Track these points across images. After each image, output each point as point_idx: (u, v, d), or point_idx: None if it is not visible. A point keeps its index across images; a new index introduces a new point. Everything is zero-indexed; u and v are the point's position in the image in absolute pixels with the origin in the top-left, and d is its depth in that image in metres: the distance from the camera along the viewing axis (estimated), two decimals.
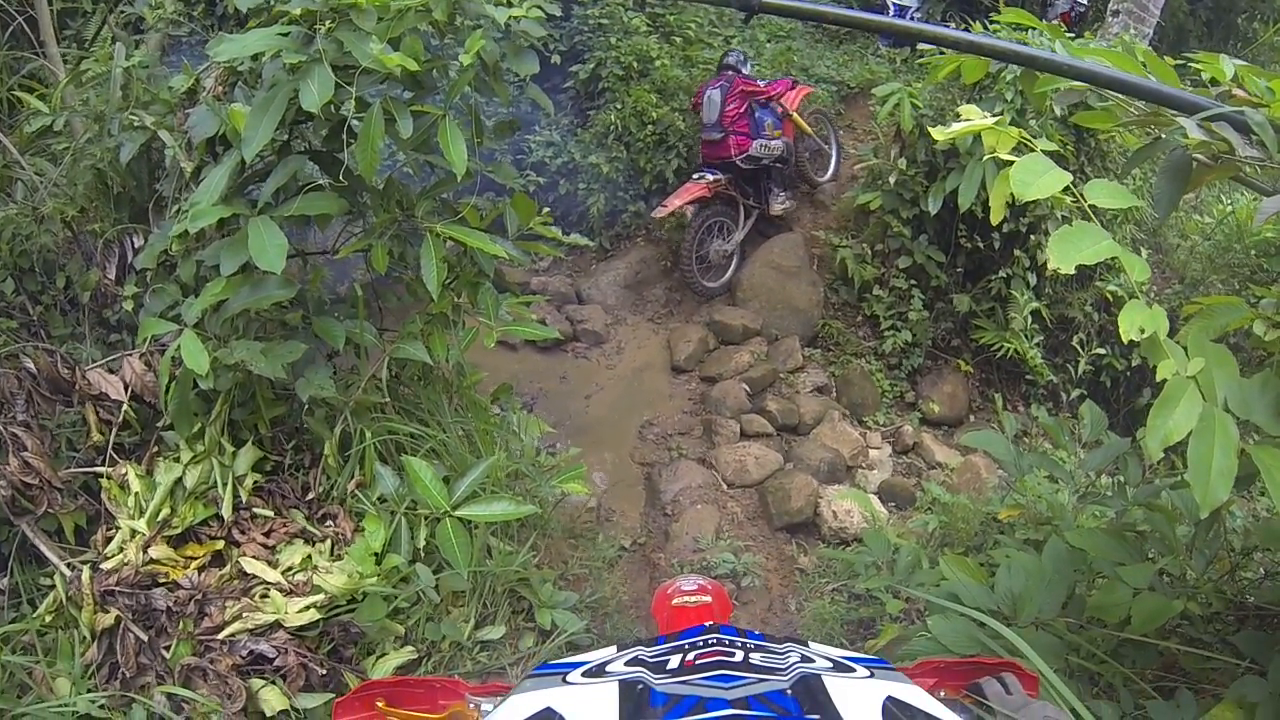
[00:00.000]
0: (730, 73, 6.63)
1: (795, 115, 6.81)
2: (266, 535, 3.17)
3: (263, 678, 2.81)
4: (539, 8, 2.93)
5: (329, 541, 3.20)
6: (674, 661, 1.04)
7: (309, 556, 3.11)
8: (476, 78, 2.93)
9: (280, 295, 2.89)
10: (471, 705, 1.32)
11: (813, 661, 1.03)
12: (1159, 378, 1.61)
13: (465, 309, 3.56)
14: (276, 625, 2.88)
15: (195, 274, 3.04)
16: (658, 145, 7.08)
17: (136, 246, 3.46)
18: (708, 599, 2.13)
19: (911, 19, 9.42)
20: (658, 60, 7.30)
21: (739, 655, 1.03)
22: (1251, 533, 2.83)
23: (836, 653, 1.12)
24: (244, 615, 2.87)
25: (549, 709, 0.90)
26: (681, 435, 5.70)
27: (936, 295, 6.37)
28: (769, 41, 8.67)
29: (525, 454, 4.06)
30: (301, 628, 2.91)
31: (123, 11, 4.67)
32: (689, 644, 1.10)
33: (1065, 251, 1.62)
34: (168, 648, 2.81)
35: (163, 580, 2.92)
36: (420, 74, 2.83)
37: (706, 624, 1.19)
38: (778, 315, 6.57)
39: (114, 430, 3.16)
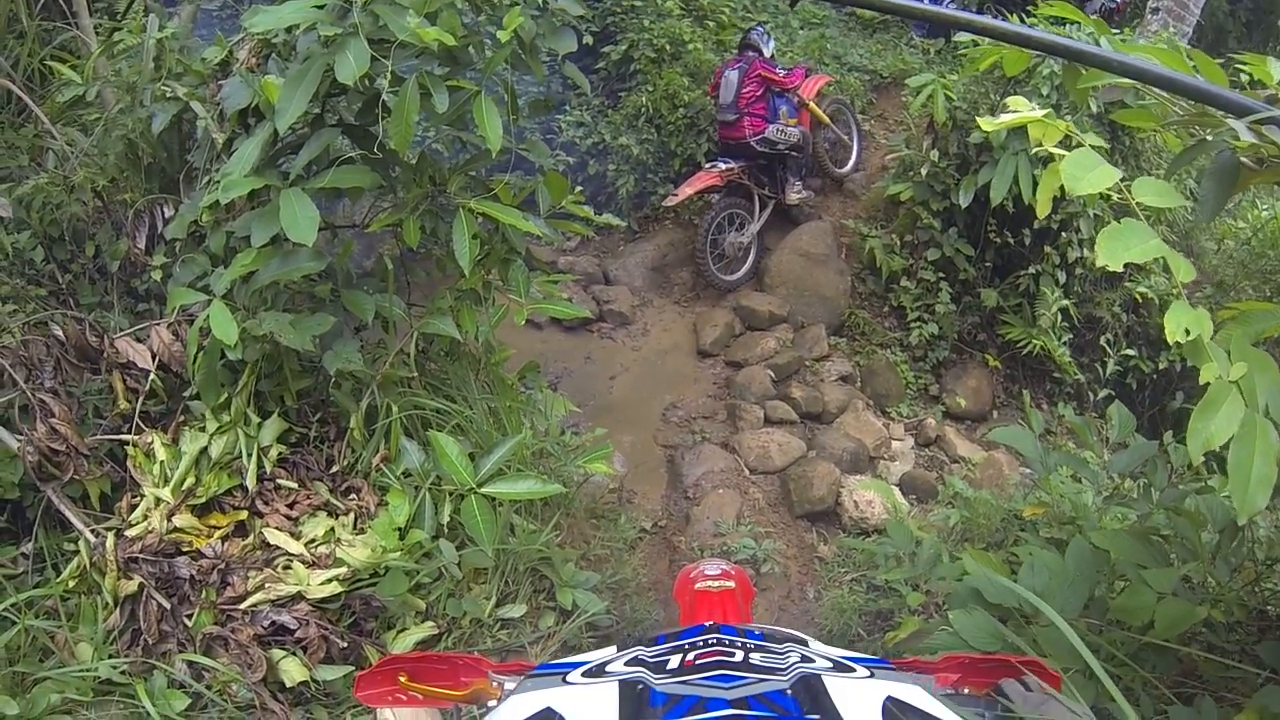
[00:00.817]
0: (751, 53, 6.58)
1: (811, 105, 6.71)
2: (290, 507, 3.18)
3: (283, 649, 2.84)
4: None
5: (352, 515, 3.21)
6: (674, 661, 1.03)
7: (332, 529, 3.13)
8: (513, 54, 2.91)
9: (310, 267, 2.89)
10: (494, 683, 1.31)
11: (813, 661, 1.02)
12: (1202, 381, 1.59)
13: (495, 286, 3.55)
14: (298, 597, 2.90)
15: (225, 245, 3.05)
16: (688, 128, 7.05)
17: (166, 217, 3.46)
18: (731, 584, 2.12)
19: (948, 6, 9.34)
20: (690, 43, 7.26)
21: (739, 655, 1.03)
22: (1276, 543, 2.79)
23: (836, 652, 1.12)
24: (266, 586, 2.89)
25: (549, 709, 0.91)
26: (705, 419, 5.70)
27: (964, 289, 6.32)
28: (802, 28, 8.61)
29: (550, 433, 4.06)
30: (323, 600, 2.94)
31: None
32: (689, 644, 1.10)
33: (1113, 249, 1.60)
34: (190, 616, 2.83)
35: (186, 549, 2.95)
36: (456, 49, 2.81)
37: (706, 624, 1.19)
38: (804, 302, 6.54)
39: (141, 399, 3.19)
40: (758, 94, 6.39)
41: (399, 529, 3.10)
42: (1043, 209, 1.97)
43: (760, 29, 6.80)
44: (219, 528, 3.05)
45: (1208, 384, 1.58)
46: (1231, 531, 2.39)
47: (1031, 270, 5.99)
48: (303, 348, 2.92)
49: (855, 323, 6.56)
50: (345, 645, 2.91)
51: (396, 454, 3.30)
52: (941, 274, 6.25)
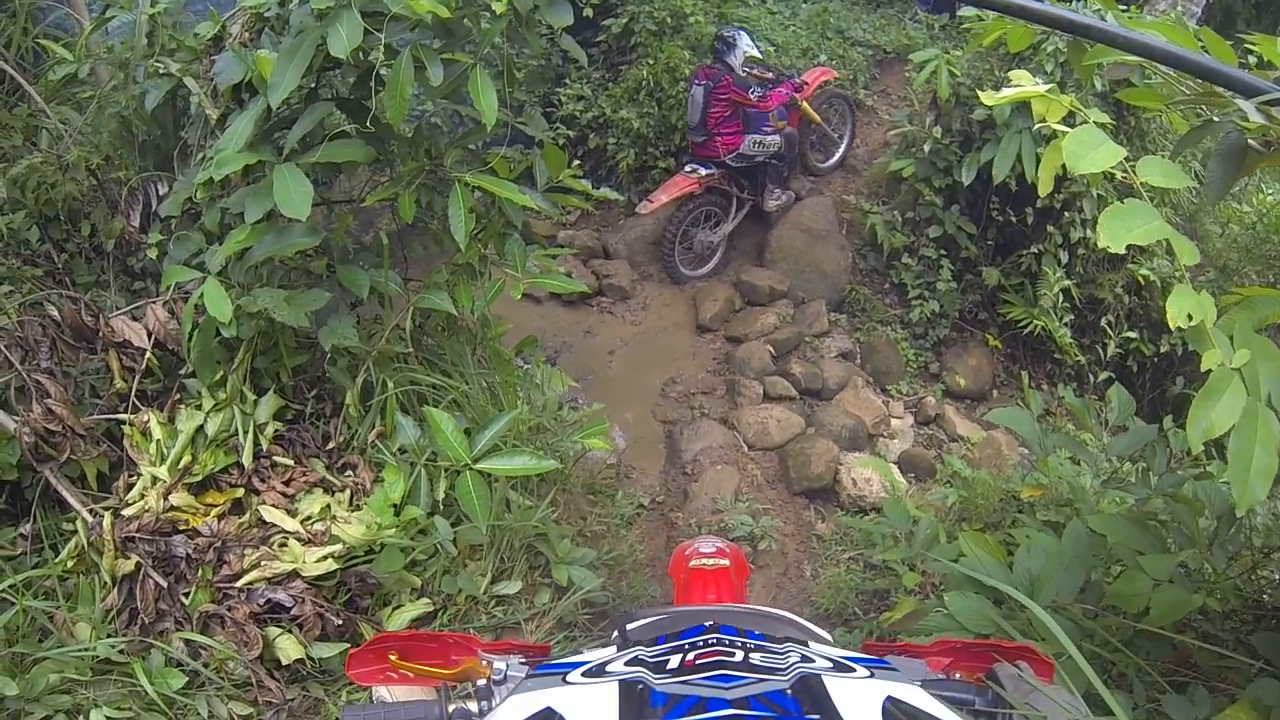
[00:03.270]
0: (718, 68, 6.04)
1: (805, 106, 6.43)
2: (286, 484, 3.19)
3: (279, 626, 2.85)
4: None
5: (348, 491, 3.21)
6: (674, 661, 1.03)
7: (328, 506, 3.13)
8: (509, 27, 2.87)
9: (305, 243, 2.88)
10: (484, 662, 1.32)
11: (813, 661, 1.02)
12: (1204, 368, 1.56)
13: (492, 260, 3.53)
14: (294, 574, 2.91)
15: (220, 221, 3.03)
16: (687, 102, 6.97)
17: (161, 194, 3.46)
18: (725, 563, 2.12)
19: None
20: (692, 16, 7.16)
21: (739, 655, 1.03)
22: (1273, 531, 2.78)
23: (837, 652, 1.10)
24: (262, 564, 2.90)
25: (549, 709, 0.90)
26: (704, 394, 5.69)
27: (965, 267, 6.26)
28: (805, 2, 8.50)
29: (548, 408, 4.04)
30: (319, 577, 2.94)
31: None
32: (689, 644, 1.09)
33: (1115, 230, 1.57)
34: (186, 594, 2.85)
35: (183, 527, 2.96)
36: (451, 21, 2.78)
37: (706, 624, 1.19)
38: (805, 278, 6.49)
39: (137, 377, 3.18)
40: (727, 113, 6.03)
41: (394, 505, 3.10)
42: (1044, 187, 1.95)
43: (734, 29, 6.23)
44: (215, 506, 3.06)
45: (1209, 371, 1.56)
46: (1229, 519, 2.39)
47: (1034, 250, 5.93)
48: (297, 324, 2.91)
49: (856, 299, 6.51)
50: (341, 622, 2.92)
51: (392, 430, 3.29)
52: (943, 251, 6.18)
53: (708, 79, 6.00)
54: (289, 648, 2.79)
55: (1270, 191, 6.77)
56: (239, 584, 2.86)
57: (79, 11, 3.91)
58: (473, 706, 1.26)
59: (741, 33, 6.17)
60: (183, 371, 3.23)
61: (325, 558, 2.94)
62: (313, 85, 2.98)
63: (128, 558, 2.84)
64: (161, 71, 3.20)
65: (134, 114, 3.41)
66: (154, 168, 3.50)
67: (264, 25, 3.09)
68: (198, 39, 3.26)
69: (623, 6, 7.16)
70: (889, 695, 0.91)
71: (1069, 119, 1.81)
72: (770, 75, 6.31)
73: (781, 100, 6.11)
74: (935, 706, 0.92)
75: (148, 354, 3.17)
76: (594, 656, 1.14)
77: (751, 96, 5.92)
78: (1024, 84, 1.87)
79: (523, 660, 1.34)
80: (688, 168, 6.21)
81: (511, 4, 2.74)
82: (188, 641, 2.79)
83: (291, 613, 2.85)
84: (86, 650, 2.73)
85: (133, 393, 3.17)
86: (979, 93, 2.12)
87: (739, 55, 6.06)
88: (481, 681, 1.29)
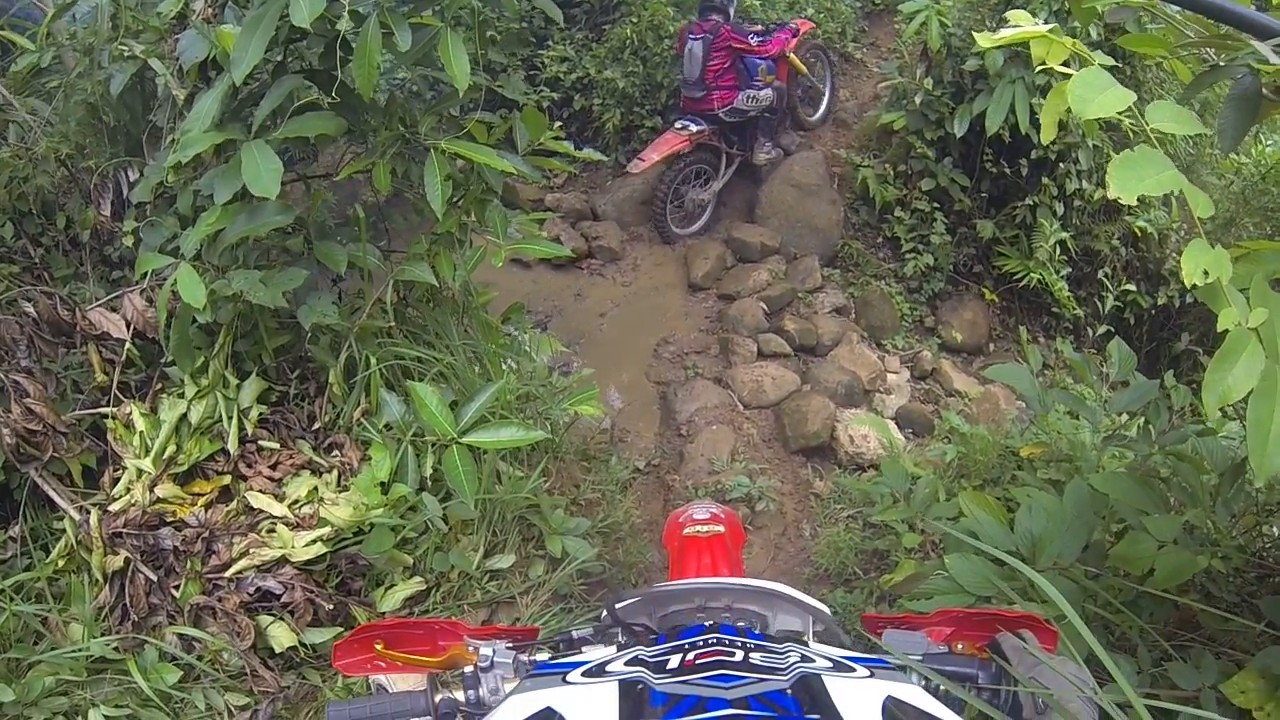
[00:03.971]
0: (717, 18, 6.08)
1: (792, 57, 6.40)
2: (273, 468, 3.15)
3: (271, 614, 2.83)
4: None
5: (335, 472, 3.18)
6: (674, 661, 1.03)
7: (315, 488, 3.09)
8: None
9: (278, 221, 2.81)
10: (471, 648, 1.32)
11: (813, 661, 1.02)
12: (1220, 328, 1.48)
13: (473, 228, 3.47)
14: (283, 560, 2.88)
15: (193, 205, 2.96)
16: (675, 60, 6.82)
17: (133, 180, 3.37)
18: (720, 529, 2.12)
19: None
20: None
21: (739, 655, 1.03)
22: (1276, 488, 2.74)
23: (837, 652, 1.11)
24: (251, 551, 2.87)
25: (549, 709, 0.90)
26: (698, 354, 5.67)
27: (959, 220, 6.22)
28: None
29: (537, 375, 3.99)
30: (309, 562, 2.92)
31: None
32: (689, 644, 1.09)
33: (1126, 180, 1.47)
34: (177, 587, 2.83)
35: (170, 519, 2.93)
36: None
37: (706, 623, 1.18)
38: (797, 234, 6.45)
39: (118, 369, 3.13)
40: (725, 64, 6.06)
41: (382, 484, 3.06)
42: (1047, 134, 1.85)
43: None
44: (202, 495, 3.02)
45: (1224, 331, 1.48)
46: (1232, 475, 2.34)
47: (1028, 202, 5.90)
48: (274, 304, 2.86)
49: (849, 254, 6.47)
50: (332, 607, 2.90)
51: (377, 407, 3.24)
52: (936, 204, 6.14)
53: (705, 32, 5.99)
54: (281, 635, 2.77)
55: (1269, 143, 6.68)
56: (228, 574, 2.83)
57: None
58: (460, 695, 1.27)
59: None
60: (163, 360, 3.17)
61: (314, 541, 2.91)
62: (280, 59, 2.89)
63: (117, 554, 2.81)
64: (127, 54, 3.11)
65: (101, 100, 3.31)
66: (125, 153, 3.41)
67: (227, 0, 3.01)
68: (161, 18, 3.16)
69: None
70: (889, 695, 0.91)
71: (1070, 64, 1.73)
72: (758, 26, 6.40)
73: (780, 45, 6.16)
74: (935, 706, 0.91)
75: (127, 345, 3.11)
76: (594, 656, 1.15)
77: (751, 41, 6.00)
78: (1022, 24, 1.78)
79: (509, 645, 1.32)
80: (678, 124, 6.18)
81: None
82: (181, 635, 2.77)
83: (282, 600, 2.82)
84: (80, 650, 2.72)
85: (114, 385, 3.12)
86: (975, 35, 2.02)
87: (735, 2, 6.15)
88: (469, 669, 1.28)
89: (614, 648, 1.23)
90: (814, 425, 4.89)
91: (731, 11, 6.19)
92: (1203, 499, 2.40)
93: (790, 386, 5.28)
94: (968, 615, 1.34)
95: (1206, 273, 1.46)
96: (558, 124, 3.45)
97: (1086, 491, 2.58)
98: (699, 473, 4.60)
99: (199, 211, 2.94)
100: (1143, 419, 2.85)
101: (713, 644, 1.07)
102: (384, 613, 3.00)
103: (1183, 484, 2.47)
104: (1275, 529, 2.56)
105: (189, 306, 2.77)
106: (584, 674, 1.05)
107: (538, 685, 1.01)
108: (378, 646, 1.31)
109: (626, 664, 1.05)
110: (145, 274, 3.04)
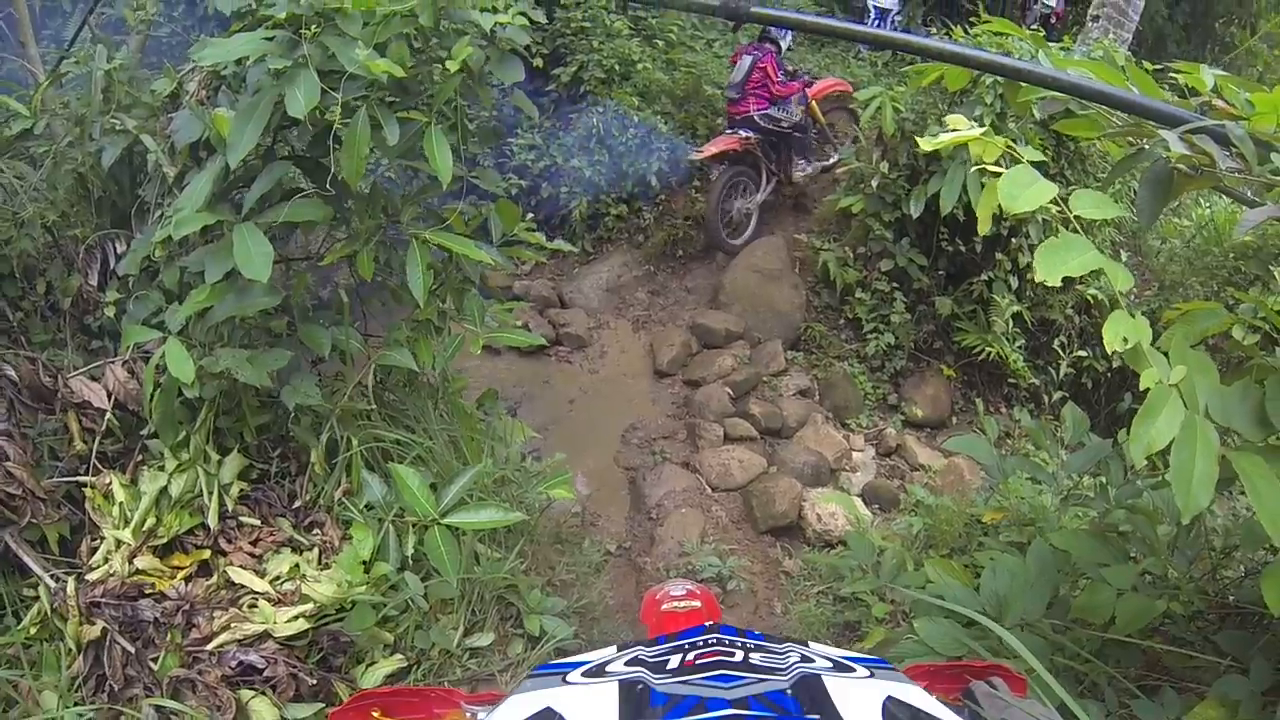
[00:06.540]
0: (769, 45, 6.90)
1: (812, 103, 7.12)
2: (253, 544, 3.14)
3: (252, 688, 2.79)
4: (524, 15, 2.92)
5: (316, 550, 3.18)
6: (674, 661, 1.04)
7: (297, 565, 3.09)
8: (462, 84, 2.92)
9: (265, 302, 2.87)
10: (468, 714, 1.31)
11: (813, 661, 1.03)
12: (1142, 387, 1.63)
13: (451, 315, 3.54)
14: (265, 635, 2.86)
15: (179, 280, 3.02)
16: (640, 148, 7.07)
17: (119, 252, 3.41)
18: (697, 604, 2.13)
19: (893, 22, 9.51)
20: (639, 64, 7.32)
21: (739, 655, 1.04)
22: (1232, 532, 2.87)
23: (836, 653, 1.13)
24: (232, 625, 2.85)
25: (549, 709, 0.91)
26: (665, 439, 5.71)
27: (919, 298, 6.39)
28: None
29: (511, 460, 4.03)
30: (290, 637, 2.89)
31: (103, 12, 4.62)
32: (689, 644, 1.11)
33: (1051, 264, 1.65)
34: (155, 659, 2.78)
35: (149, 591, 2.90)
36: (406, 80, 2.82)
37: (706, 624, 1.20)
38: (760, 318, 6.59)
39: (97, 439, 3.12)
40: (760, 83, 6.80)
41: (364, 562, 3.06)
42: (983, 226, 2.02)
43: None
44: (182, 568, 3.00)
45: (1148, 389, 1.63)
46: (1189, 524, 2.45)
47: (984, 277, 6.08)
48: (260, 383, 2.90)
49: (811, 336, 6.61)
50: (314, 682, 2.87)
51: (358, 487, 3.28)
52: (895, 284, 6.31)
53: (755, 51, 6.87)
54: (263, 710, 2.74)
55: (1207, 206, 7.00)
56: (209, 647, 2.80)
57: (34, 64, 3.89)
58: None
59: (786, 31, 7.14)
60: (144, 432, 3.18)
61: (296, 617, 2.90)
62: (270, 143, 3.00)
63: (93, 623, 2.77)
64: (118, 128, 3.20)
65: (91, 170, 3.37)
66: (111, 225, 3.47)
67: (221, 83, 3.11)
68: (155, 96, 3.26)
69: (571, 55, 7.27)
70: (889, 695, 0.93)
71: (1006, 157, 1.89)
72: (794, 69, 7.34)
73: (794, 91, 6.87)
74: (935, 706, 0.93)
75: (108, 415, 3.12)
76: (594, 656, 1.16)
77: (778, 77, 6.74)
78: (960, 128, 1.95)
79: None
80: (728, 130, 6.97)
81: (465, 62, 2.80)
82: (158, 708, 2.70)
83: (264, 674, 2.79)
84: (53, 719, 2.65)
85: (93, 454, 3.10)
86: (917, 139, 2.19)
87: (787, 39, 7.34)
88: None
89: (613, 647, 1.23)
90: (781, 505, 4.93)
91: (783, 46, 7.19)
92: (1160, 548, 2.51)
93: (757, 469, 5.32)
94: (939, 669, 1.37)
95: (1126, 340, 1.61)
96: (529, 214, 3.56)
97: (1048, 550, 2.67)
98: (670, 554, 4.61)
99: (185, 287, 2.99)
100: (1101, 478, 2.96)
101: (713, 644, 1.08)
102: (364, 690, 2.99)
103: (1141, 535, 2.58)
104: (1231, 572, 2.67)
105: (176, 380, 2.80)
106: (584, 674, 1.05)
107: (538, 685, 1.02)
108: (375, 714, 1.29)
109: (626, 664, 1.06)
110: (129, 345, 3.06)
